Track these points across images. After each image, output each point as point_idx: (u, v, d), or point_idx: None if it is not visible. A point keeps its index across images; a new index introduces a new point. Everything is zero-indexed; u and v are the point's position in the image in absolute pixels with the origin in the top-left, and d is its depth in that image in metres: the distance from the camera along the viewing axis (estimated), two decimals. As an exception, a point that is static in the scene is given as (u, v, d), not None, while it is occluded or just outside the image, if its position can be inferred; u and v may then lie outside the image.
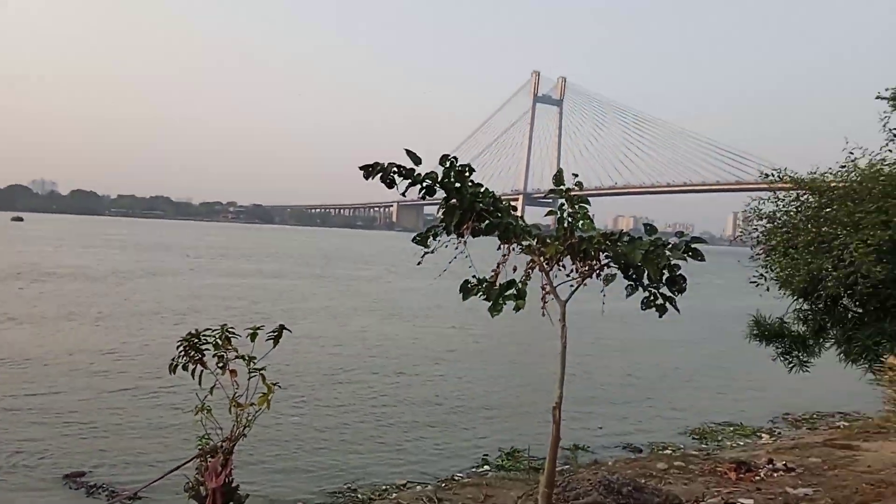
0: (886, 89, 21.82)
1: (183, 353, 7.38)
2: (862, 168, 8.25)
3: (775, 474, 11.26)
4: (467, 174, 6.11)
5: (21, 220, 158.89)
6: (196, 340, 7.33)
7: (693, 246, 5.75)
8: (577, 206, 6.06)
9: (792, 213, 8.39)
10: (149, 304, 33.09)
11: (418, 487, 11.17)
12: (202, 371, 7.37)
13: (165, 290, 39.45)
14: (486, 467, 12.54)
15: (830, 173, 8.77)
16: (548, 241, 6.14)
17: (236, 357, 7.45)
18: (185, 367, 7.39)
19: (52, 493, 10.33)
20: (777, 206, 8.57)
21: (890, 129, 8.93)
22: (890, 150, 8.55)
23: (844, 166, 8.47)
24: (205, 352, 7.33)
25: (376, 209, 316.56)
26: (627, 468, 11.75)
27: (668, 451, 13.77)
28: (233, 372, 7.33)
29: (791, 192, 8.53)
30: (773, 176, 8.81)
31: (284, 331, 7.82)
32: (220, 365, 7.39)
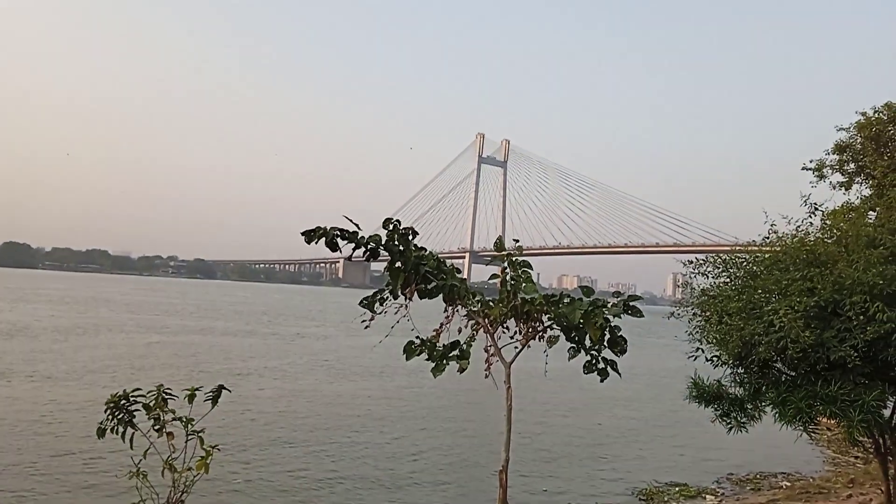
0: (811, 161, 22.82)
1: (110, 415, 7.14)
2: (787, 239, 8.73)
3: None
4: (410, 237, 6.23)
5: None
6: (125, 402, 7.11)
7: (631, 304, 5.96)
8: (519, 270, 6.22)
9: (723, 284, 8.79)
10: (89, 362, 31.78)
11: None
12: (133, 434, 7.13)
13: (108, 348, 37.99)
14: (433, 532, 12.31)
15: (756, 243, 9.28)
16: (491, 303, 6.27)
17: (173, 419, 7.25)
18: (113, 430, 7.14)
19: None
20: (708, 278, 8.99)
21: (811, 203, 9.56)
22: (811, 223, 9.10)
23: (768, 237, 8.97)
24: (135, 413, 7.11)
25: (322, 265, 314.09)
26: (573, 530, 11.70)
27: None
28: (169, 434, 7.12)
29: (720, 263, 8.94)
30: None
31: (224, 391, 7.68)
32: (157, 427, 7.17)
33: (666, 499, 15.47)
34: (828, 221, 9.26)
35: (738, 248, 9.78)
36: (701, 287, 9.09)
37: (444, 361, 6.27)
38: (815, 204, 9.61)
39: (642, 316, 5.94)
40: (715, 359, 8.30)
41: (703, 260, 9.05)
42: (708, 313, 8.52)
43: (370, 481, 15.36)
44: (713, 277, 8.95)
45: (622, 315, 5.93)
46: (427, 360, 6.33)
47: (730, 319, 7.87)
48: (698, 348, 8.61)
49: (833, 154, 21.50)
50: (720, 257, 9.01)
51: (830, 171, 21.64)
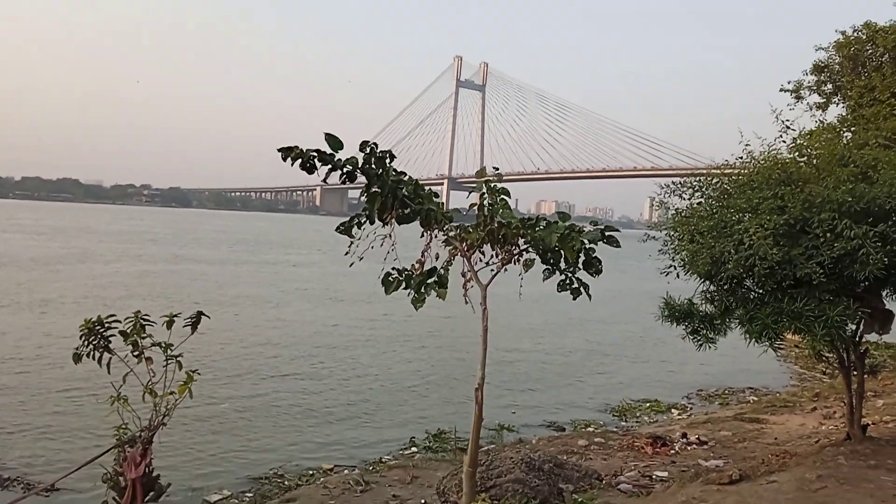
0: (789, 82, 22.66)
1: (85, 341, 7.15)
2: (759, 158, 8.80)
3: (689, 448, 11.88)
4: (388, 160, 6.16)
5: None
6: (99, 327, 7.11)
7: (608, 234, 6.00)
8: (497, 196, 6.21)
9: (696, 204, 8.88)
10: (70, 291, 31.77)
11: (346, 471, 11.23)
12: (110, 359, 7.17)
13: (89, 278, 37.92)
14: (414, 449, 12.71)
15: (730, 164, 9.33)
16: (469, 228, 6.29)
17: (152, 345, 7.29)
18: (89, 356, 7.18)
19: (-42, 491, 9.85)
20: (682, 198, 9.06)
21: (783, 121, 9.59)
22: (783, 141, 9.15)
23: (741, 157, 9.03)
24: (110, 339, 7.13)
25: (299, 193, 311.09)
26: (550, 446, 12.14)
27: (590, 429, 14.27)
28: (148, 360, 7.17)
29: (694, 182, 9.01)
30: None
31: (204, 317, 7.71)
32: (135, 353, 7.22)
33: (638, 414, 16.06)
34: (801, 141, 9.30)
35: (713, 169, 9.83)
36: (675, 208, 9.17)
37: (424, 291, 6.30)
38: (787, 121, 9.65)
39: (619, 247, 5.99)
40: (687, 273, 8.47)
41: (678, 183, 9.12)
42: (680, 233, 8.63)
43: (349, 404, 15.71)
44: (687, 198, 9.03)
45: (598, 242, 5.98)
46: (405, 290, 6.35)
47: (701, 238, 7.99)
48: (670, 266, 8.75)
49: (811, 75, 21.42)
50: (696, 179, 9.08)
51: (808, 93, 21.61)
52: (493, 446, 12.02)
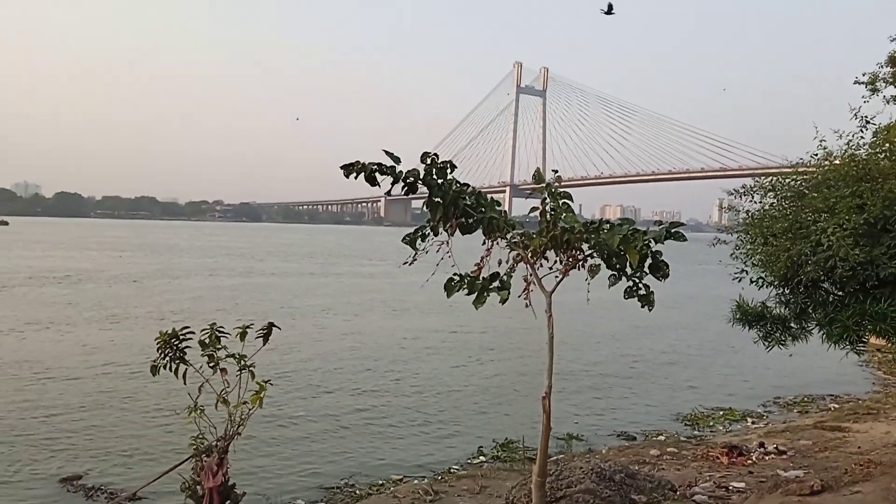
0: (864, 74, 21.85)
1: (162, 353, 7.42)
2: (836, 155, 8.43)
3: (767, 457, 11.45)
4: (448, 171, 6.19)
5: (6, 223, 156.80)
6: (174, 340, 7.37)
7: (673, 230, 5.85)
8: (559, 201, 6.14)
9: (768, 206, 8.57)
10: (157, 306, 33.26)
11: (415, 481, 11.26)
12: (186, 370, 7.42)
13: (175, 293, 39.71)
14: (482, 459, 12.65)
15: (805, 162, 8.97)
16: (532, 234, 6.24)
17: (226, 356, 7.51)
18: (166, 367, 7.44)
19: (50, 497, 10.36)
20: (754, 199, 8.75)
21: (862, 116, 9.15)
22: (863, 137, 8.74)
23: (817, 155, 8.67)
24: (185, 350, 7.38)
25: (364, 205, 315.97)
26: (621, 456, 11.91)
27: (661, 438, 13.92)
28: (223, 370, 7.38)
29: (767, 184, 8.70)
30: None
31: (275, 328, 7.89)
32: (211, 364, 7.45)
33: (712, 423, 15.56)
34: (880, 135, 8.87)
35: (786, 168, 9.46)
36: (746, 210, 8.86)
37: (485, 293, 6.29)
38: (866, 117, 9.21)
39: (685, 240, 5.83)
40: (760, 280, 8.17)
41: (749, 187, 8.80)
42: (752, 234, 8.33)
43: (417, 414, 15.77)
44: (759, 199, 8.71)
45: (664, 240, 5.83)
46: (467, 294, 6.36)
47: (775, 240, 7.70)
48: (743, 270, 8.45)
49: (887, 66, 20.44)
50: (767, 180, 8.75)
51: (884, 85, 20.62)
52: (561, 456, 11.87)
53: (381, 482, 11.41)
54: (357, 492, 10.91)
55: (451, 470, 11.93)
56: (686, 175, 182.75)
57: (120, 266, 57.16)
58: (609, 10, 36.21)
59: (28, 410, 14.69)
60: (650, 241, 5.69)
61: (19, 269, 50.96)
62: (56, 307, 31.50)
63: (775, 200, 8.53)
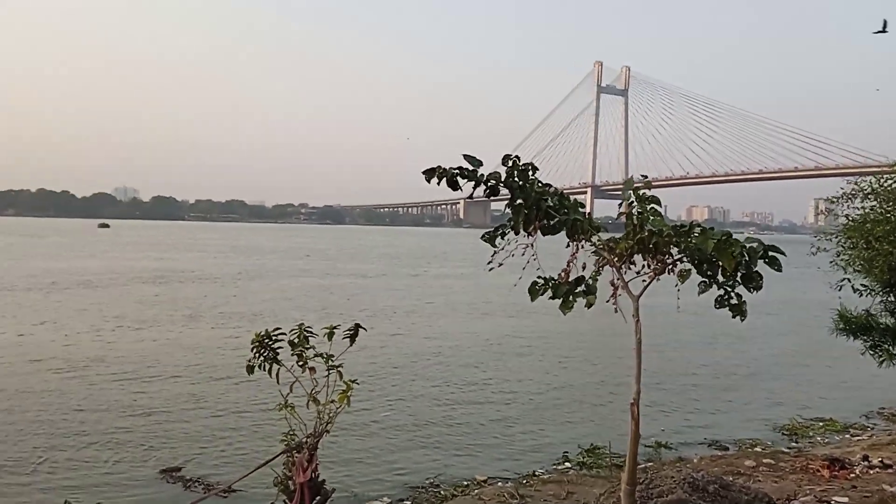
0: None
1: (256, 353, 7.74)
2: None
3: (871, 471, 10.84)
4: (530, 172, 6.17)
5: (107, 226, 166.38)
6: (267, 340, 7.68)
7: (771, 254, 5.59)
8: (646, 205, 6.01)
9: (869, 209, 8.10)
10: (252, 305, 34.72)
11: (500, 483, 11.25)
12: (279, 369, 7.71)
13: (264, 292, 41.40)
14: (567, 464, 12.49)
15: None
16: (618, 238, 6.14)
17: (315, 356, 7.76)
18: (261, 367, 7.75)
19: (151, 487, 10.93)
20: (854, 205, 8.30)
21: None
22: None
23: None
24: (278, 350, 7.68)
25: (443, 207, 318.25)
26: (713, 466, 11.52)
27: (757, 449, 13.39)
28: (311, 370, 7.63)
29: (865, 186, 8.23)
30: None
31: (361, 329, 8.08)
32: (300, 363, 7.71)
33: (811, 434, 14.84)
34: None
35: (886, 168, 8.92)
36: (845, 213, 8.40)
37: (572, 298, 6.23)
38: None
39: (780, 270, 5.57)
40: (863, 288, 7.74)
41: (849, 192, 8.33)
42: (853, 240, 7.90)
43: (501, 416, 15.73)
44: (860, 202, 8.25)
45: (761, 258, 5.58)
46: (552, 298, 6.31)
47: (877, 244, 7.28)
48: (844, 278, 8.02)
49: None
50: (866, 181, 8.27)
51: None
52: (651, 464, 11.61)
53: (465, 483, 11.45)
54: (441, 492, 10.99)
55: (536, 474, 11.84)
56: (778, 175, 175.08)
57: (214, 267, 59.88)
58: (884, 29, 34.10)
59: (131, 406, 15.54)
60: (746, 247, 5.49)
61: (124, 269, 54.12)
62: (157, 306, 33.24)
63: (876, 203, 8.07)
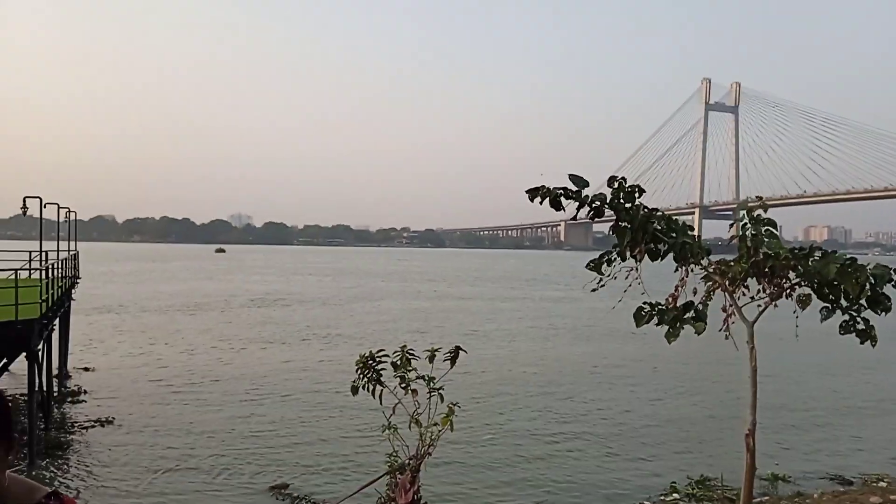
0: None
1: (361, 374, 7.90)
2: None
3: None
4: (637, 195, 6.03)
5: (223, 251, 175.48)
6: (371, 361, 7.82)
7: None
8: (761, 227, 5.74)
9: None
10: (355, 326, 35.94)
11: (604, 513, 10.96)
12: (381, 391, 7.83)
13: (370, 314, 42.72)
14: (676, 496, 12.02)
15: None
16: (730, 261, 5.90)
17: (417, 377, 7.84)
18: (365, 388, 7.90)
19: (262, 502, 11.34)
20: None
21: None
22: None
23: None
24: (381, 372, 7.81)
25: (543, 229, 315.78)
26: (835, 501, 10.78)
27: (882, 484, 12.43)
28: (414, 392, 7.71)
29: None
30: None
31: (462, 352, 8.11)
32: (403, 385, 7.82)
33: (946, 471, 13.61)
34: None
35: None
36: None
37: (679, 325, 6.02)
38: None
39: None
40: None
41: None
42: None
43: (603, 444, 15.34)
44: None
45: (888, 282, 5.23)
46: (657, 325, 6.12)
47: None
48: None
49: None
50: None
51: None
52: (766, 498, 10.99)
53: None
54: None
55: (643, 504, 11.46)
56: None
57: (323, 290, 61.97)
58: None
59: (243, 424, 16.24)
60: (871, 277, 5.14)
61: (240, 291, 56.99)
62: (270, 327, 34.79)
63: None
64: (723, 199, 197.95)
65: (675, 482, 12.61)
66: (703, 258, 6.08)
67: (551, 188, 6.14)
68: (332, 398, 18.53)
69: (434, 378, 7.75)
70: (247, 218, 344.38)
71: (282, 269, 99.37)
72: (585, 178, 5.91)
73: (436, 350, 7.83)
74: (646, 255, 6.09)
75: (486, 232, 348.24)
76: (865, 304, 5.32)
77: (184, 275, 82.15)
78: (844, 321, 5.45)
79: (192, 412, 17.10)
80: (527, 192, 6.25)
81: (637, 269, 6.11)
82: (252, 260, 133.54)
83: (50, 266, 17.02)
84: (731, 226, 6.14)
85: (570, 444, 15.18)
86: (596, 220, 6.47)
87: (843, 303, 5.41)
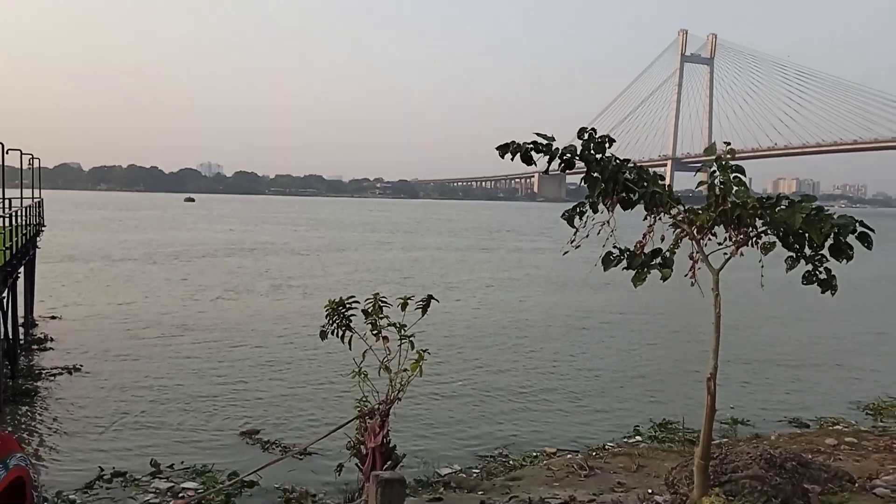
0: None
1: (330, 319, 7.91)
2: None
3: (961, 451, 10.28)
4: (607, 145, 6.04)
5: (193, 200, 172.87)
6: (341, 308, 7.83)
7: (862, 229, 5.32)
8: (730, 174, 5.79)
9: None
10: (334, 276, 35.79)
11: (569, 455, 11.23)
12: (351, 337, 7.87)
13: (345, 263, 42.65)
14: (638, 438, 12.36)
15: None
16: (698, 209, 5.96)
17: (388, 325, 7.88)
18: (334, 333, 7.93)
19: (232, 448, 11.44)
20: None
21: None
22: None
23: None
24: (350, 318, 7.83)
25: (517, 180, 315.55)
26: (792, 443, 11.17)
27: (839, 427, 12.91)
28: (385, 338, 7.76)
29: None
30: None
31: (433, 301, 8.15)
32: (374, 332, 7.85)
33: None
34: None
35: None
36: None
37: (645, 270, 6.10)
38: None
39: (870, 248, 5.30)
40: None
41: None
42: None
43: (571, 390, 15.65)
44: None
45: (852, 233, 5.31)
46: (626, 269, 6.21)
47: None
48: None
49: None
50: None
51: None
52: (725, 440, 11.35)
53: (534, 454, 11.48)
54: (510, 461, 11.07)
55: (606, 447, 11.76)
56: (874, 145, 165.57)
57: (297, 240, 61.56)
58: None
59: (214, 372, 16.25)
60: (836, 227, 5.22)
61: (212, 241, 56.39)
62: (244, 277, 34.58)
63: None
64: (695, 152, 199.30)
65: (638, 425, 12.96)
66: (672, 207, 6.13)
67: (521, 143, 6.13)
68: (303, 347, 18.59)
69: (405, 325, 7.80)
70: (217, 167, 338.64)
71: (253, 219, 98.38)
72: (563, 132, 5.95)
73: (408, 298, 7.86)
74: (618, 205, 6.13)
75: (460, 183, 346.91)
76: (828, 255, 5.42)
77: (153, 224, 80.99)
78: (808, 271, 5.56)
79: (161, 361, 17.05)
80: (497, 148, 6.24)
81: (610, 222, 6.16)
82: (223, 210, 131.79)
83: (13, 213, 16.66)
84: (698, 171, 6.19)
85: (538, 390, 15.46)
86: (568, 171, 6.48)
87: (808, 252, 5.50)
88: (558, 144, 6.14)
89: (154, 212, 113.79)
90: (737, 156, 6.01)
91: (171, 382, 15.16)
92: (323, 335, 7.87)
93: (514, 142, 6.11)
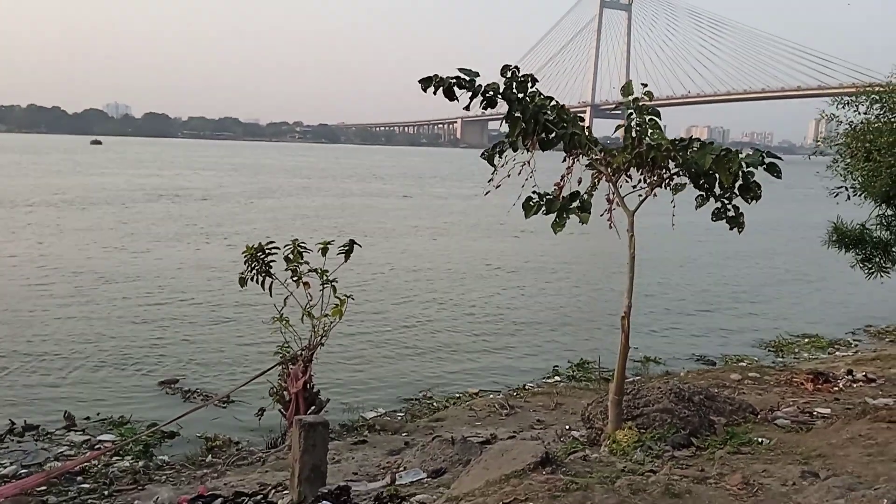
0: None
1: (248, 266, 7.75)
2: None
3: (855, 385, 11.06)
4: (529, 84, 6.01)
5: (100, 143, 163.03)
6: (260, 254, 7.67)
7: (769, 160, 5.53)
8: (646, 117, 5.89)
9: (873, 118, 7.90)
10: (257, 223, 34.48)
11: (491, 395, 11.53)
12: (272, 283, 7.73)
13: (272, 210, 41.50)
14: (557, 378, 12.80)
15: None
16: (615, 152, 6.05)
17: (309, 271, 7.77)
18: (253, 279, 7.78)
19: (151, 398, 11.16)
20: (858, 110, 8.08)
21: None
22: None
23: None
24: (270, 264, 7.69)
25: (440, 126, 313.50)
26: (700, 379, 11.76)
27: (743, 364, 13.68)
28: (306, 284, 7.66)
29: (874, 95, 8.00)
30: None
31: (356, 246, 8.06)
32: (294, 278, 7.74)
33: (796, 350, 15.17)
34: None
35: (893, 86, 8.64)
36: (849, 121, 8.17)
37: (565, 215, 6.18)
38: None
39: (780, 177, 5.50)
40: (856, 192, 7.64)
41: (854, 96, 8.09)
42: (853, 150, 7.74)
43: (493, 333, 15.97)
44: (863, 111, 8.02)
45: (759, 166, 5.52)
46: (546, 214, 6.27)
47: (879, 156, 7.16)
48: (841, 187, 7.93)
49: None
50: (873, 89, 8.03)
51: None
52: (638, 377, 11.87)
53: (457, 395, 11.75)
54: (434, 403, 11.28)
55: (527, 387, 12.13)
56: (780, 94, 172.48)
57: (220, 186, 59.21)
58: None
59: (132, 321, 15.69)
60: (744, 163, 5.41)
61: (131, 186, 53.37)
62: (165, 224, 33.05)
63: (881, 112, 7.86)
64: (614, 99, 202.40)
65: (557, 366, 13.41)
66: (591, 149, 6.20)
67: (444, 77, 6.02)
68: (224, 294, 18.15)
69: (327, 271, 7.71)
70: (125, 108, 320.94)
71: (170, 163, 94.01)
72: (485, 76, 5.87)
73: (328, 243, 7.74)
74: (537, 145, 6.15)
75: (382, 128, 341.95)
76: (738, 193, 5.63)
77: (63, 167, 76.28)
78: (717, 208, 5.76)
79: (79, 312, 16.27)
80: (420, 81, 6.10)
81: (531, 163, 6.18)
82: (135, 153, 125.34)
83: None
84: (616, 106, 6.25)
85: (460, 334, 15.73)
86: (490, 115, 6.44)
87: (717, 191, 5.70)
88: (481, 82, 6.05)
89: (61, 155, 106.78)
90: (652, 102, 6.10)
91: (88, 333, 14.56)
92: (242, 282, 7.70)
93: (437, 75, 6.00)
